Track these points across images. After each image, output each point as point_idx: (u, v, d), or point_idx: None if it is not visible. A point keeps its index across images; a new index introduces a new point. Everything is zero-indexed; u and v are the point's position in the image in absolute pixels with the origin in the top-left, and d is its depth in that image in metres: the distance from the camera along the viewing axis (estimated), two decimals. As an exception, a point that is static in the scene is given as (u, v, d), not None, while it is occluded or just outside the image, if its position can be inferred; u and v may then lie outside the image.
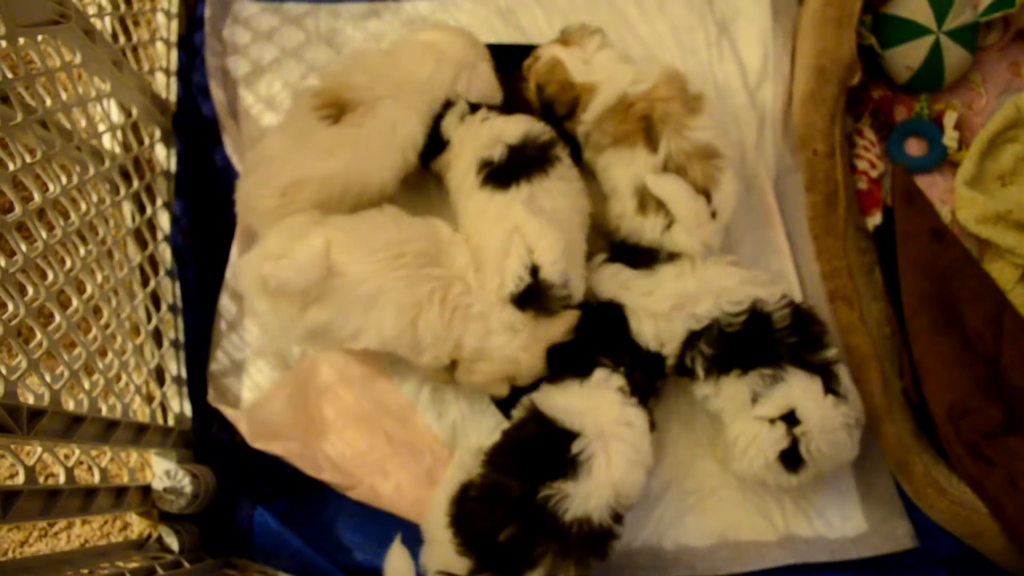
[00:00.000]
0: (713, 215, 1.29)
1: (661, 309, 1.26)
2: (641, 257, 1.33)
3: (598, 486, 1.09)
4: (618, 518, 1.13)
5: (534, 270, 1.20)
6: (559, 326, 1.25)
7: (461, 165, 1.34)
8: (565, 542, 1.08)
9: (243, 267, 1.21)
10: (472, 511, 1.13)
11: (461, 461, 1.28)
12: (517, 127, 1.31)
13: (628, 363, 1.26)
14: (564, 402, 1.18)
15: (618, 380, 1.21)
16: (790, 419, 1.19)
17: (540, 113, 1.41)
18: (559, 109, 1.39)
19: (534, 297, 1.21)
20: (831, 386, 1.21)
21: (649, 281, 1.29)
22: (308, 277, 1.16)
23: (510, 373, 1.26)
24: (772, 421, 1.20)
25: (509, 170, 1.27)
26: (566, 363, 1.25)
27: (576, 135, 1.40)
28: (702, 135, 1.30)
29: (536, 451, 1.14)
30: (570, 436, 1.12)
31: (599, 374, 1.21)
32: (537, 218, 1.22)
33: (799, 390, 1.19)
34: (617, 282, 1.31)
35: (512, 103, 1.43)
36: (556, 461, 1.11)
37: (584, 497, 1.08)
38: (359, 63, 1.38)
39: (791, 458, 1.21)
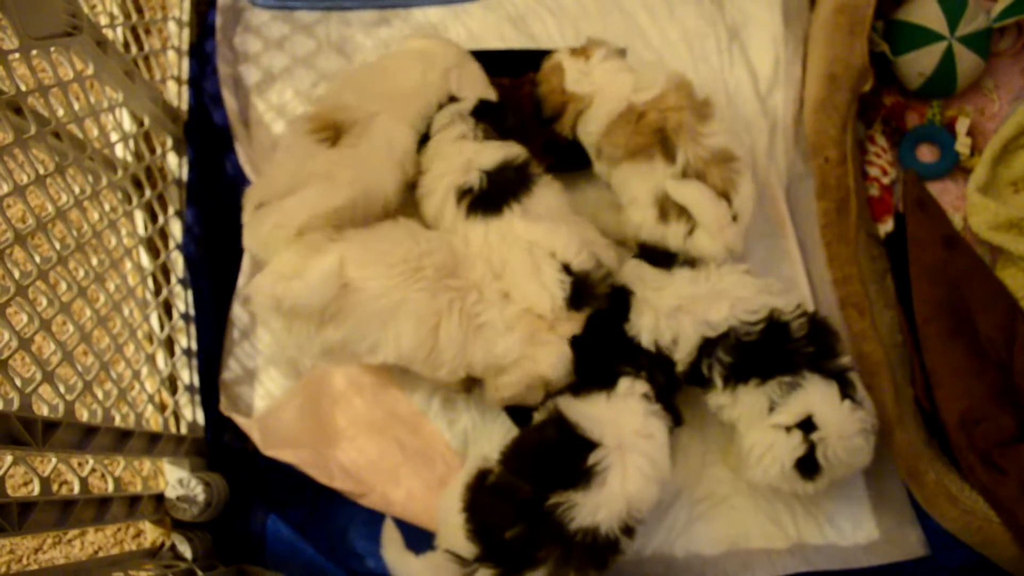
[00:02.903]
0: (734, 218, 1.30)
1: (664, 306, 1.26)
2: (663, 258, 1.33)
3: (610, 498, 1.10)
4: (629, 531, 1.13)
5: (567, 268, 1.21)
6: (572, 320, 1.25)
7: (435, 199, 1.33)
8: (568, 549, 1.09)
9: (256, 288, 1.20)
10: (484, 503, 1.14)
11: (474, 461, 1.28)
12: (492, 155, 1.30)
13: (648, 364, 1.26)
14: (588, 410, 1.18)
15: (642, 387, 1.22)
16: (806, 426, 1.19)
17: (535, 110, 1.44)
18: (545, 110, 1.42)
19: (584, 292, 1.23)
20: (847, 392, 1.21)
21: (662, 278, 1.30)
22: (321, 297, 1.15)
23: (536, 376, 1.25)
24: (788, 429, 1.20)
25: (494, 195, 1.28)
26: (590, 375, 1.25)
27: (585, 146, 1.41)
28: (717, 140, 1.31)
29: (552, 457, 1.15)
30: (589, 445, 1.12)
31: (624, 384, 1.21)
32: (540, 224, 1.24)
33: (816, 396, 1.19)
34: (634, 274, 1.32)
35: (516, 108, 1.44)
36: (571, 470, 1.11)
37: (593, 508, 1.09)
38: (346, 83, 1.38)
39: (807, 465, 1.20)
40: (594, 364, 1.26)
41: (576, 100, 1.37)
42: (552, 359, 1.23)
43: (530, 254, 1.23)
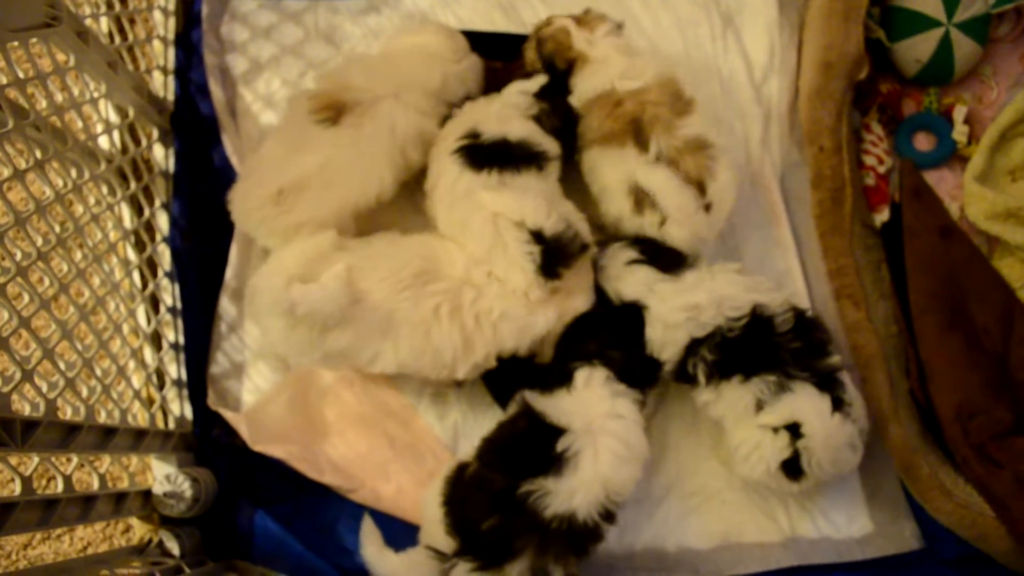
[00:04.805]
0: (708, 207, 1.28)
1: (673, 320, 1.25)
2: (670, 258, 1.30)
3: (584, 482, 1.09)
4: (609, 516, 1.12)
5: (538, 236, 1.20)
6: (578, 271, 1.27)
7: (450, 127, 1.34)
8: (545, 538, 1.08)
9: (263, 288, 1.19)
10: (461, 496, 1.14)
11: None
12: (522, 129, 1.31)
13: (620, 359, 1.24)
14: (554, 402, 1.17)
15: (600, 373, 1.20)
16: (794, 429, 1.18)
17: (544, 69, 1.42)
18: (559, 63, 1.39)
19: (556, 256, 1.21)
20: (837, 395, 1.19)
21: (669, 287, 1.27)
22: (337, 303, 1.16)
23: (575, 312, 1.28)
24: (775, 430, 1.19)
25: (486, 155, 1.27)
26: (547, 377, 1.23)
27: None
28: (691, 130, 1.29)
29: (523, 447, 1.14)
30: (557, 432, 1.12)
31: (581, 376, 1.19)
32: (506, 191, 1.23)
33: (807, 405, 1.18)
34: (644, 284, 1.28)
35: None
36: (541, 458, 1.10)
37: (568, 494, 1.08)
38: (355, 64, 1.38)
39: (793, 468, 1.20)
40: (549, 369, 1.25)
41: (583, 60, 1.36)
42: (585, 303, 1.28)
43: (494, 226, 1.21)
